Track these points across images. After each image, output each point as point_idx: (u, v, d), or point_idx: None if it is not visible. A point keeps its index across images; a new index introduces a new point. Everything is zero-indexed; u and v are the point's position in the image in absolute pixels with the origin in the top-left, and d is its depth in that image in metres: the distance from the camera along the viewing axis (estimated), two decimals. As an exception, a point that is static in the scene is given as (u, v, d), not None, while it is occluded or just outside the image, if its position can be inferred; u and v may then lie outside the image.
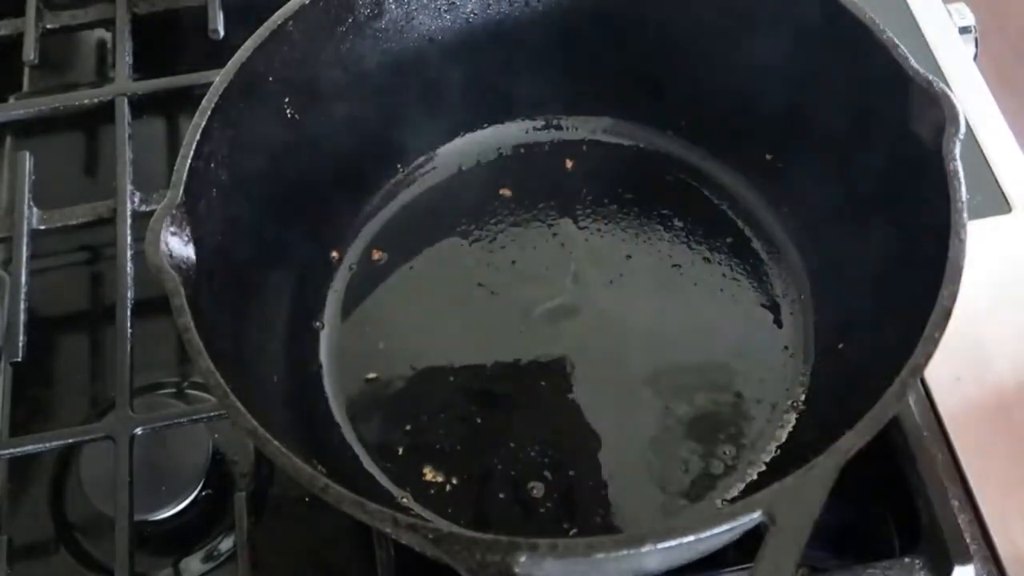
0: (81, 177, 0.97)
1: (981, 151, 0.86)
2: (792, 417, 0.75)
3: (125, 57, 0.94)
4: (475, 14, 0.82)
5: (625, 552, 0.51)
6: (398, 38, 0.80)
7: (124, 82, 0.93)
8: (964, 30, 0.94)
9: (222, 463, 0.77)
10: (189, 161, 0.66)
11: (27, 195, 0.86)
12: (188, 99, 0.82)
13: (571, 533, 0.71)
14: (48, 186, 0.89)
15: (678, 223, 0.84)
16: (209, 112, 0.68)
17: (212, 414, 0.75)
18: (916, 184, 0.65)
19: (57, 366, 0.85)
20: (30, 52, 0.96)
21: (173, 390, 0.81)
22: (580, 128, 0.88)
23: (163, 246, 0.61)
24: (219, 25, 0.95)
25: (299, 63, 0.75)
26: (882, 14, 0.69)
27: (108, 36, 1.04)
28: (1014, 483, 0.71)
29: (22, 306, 0.81)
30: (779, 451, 0.74)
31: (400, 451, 0.75)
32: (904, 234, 0.68)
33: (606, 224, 0.85)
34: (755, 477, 0.72)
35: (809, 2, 0.72)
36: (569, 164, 0.88)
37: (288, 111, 0.76)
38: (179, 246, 0.63)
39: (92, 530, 0.75)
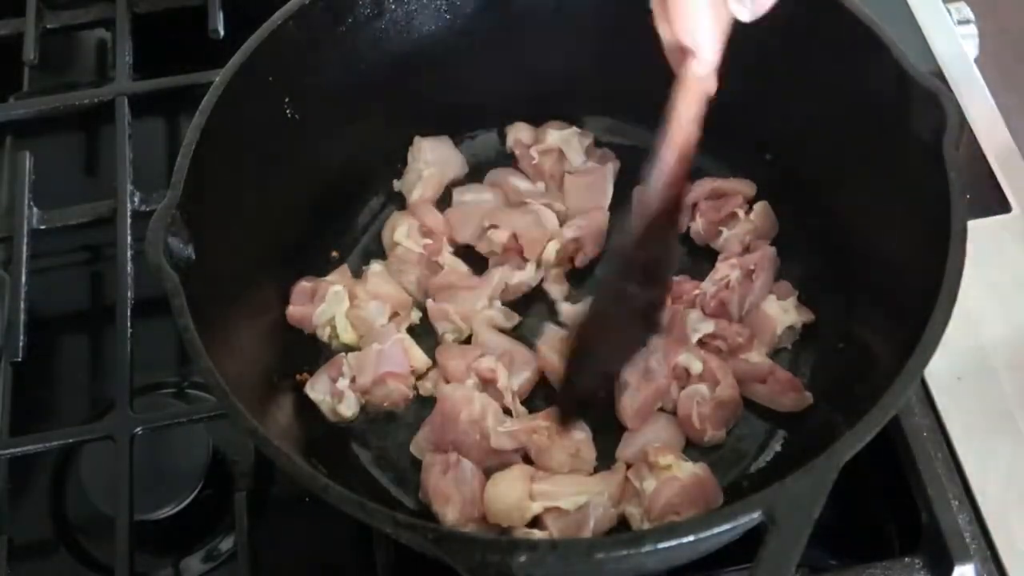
0: (81, 177, 0.97)
1: (981, 151, 0.86)
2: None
3: (125, 57, 0.95)
4: (475, 15, 0.82)
5: (625, 552, 0.52)
6: (399, 38, 0.80)
7: (124, 82, 0.93)
8: (964, 30, 0.94)
9: (222, 463, 0.77)
10: (189, 161, 0.66)
11: (27, 195, 0.86)
12: (188, 99, 0.82)
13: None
14: (48, 186, 0.89)
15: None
16: (209, 112, 0.68)
17: (212, 414, 0.75)
18: (916, 184, 0.65)
19: (57, 366, 0.85)
20: (30, 52, 0.96)
21: (173, 390, 0.81)
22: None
23: (163, 246, 0.61)
24: (219, 25, 0.95)
25: (299, 63, 0.75)
26: (882, 14, 0.69)
27: (108, 36, 1.04)
28: (1014, 483, 0.71)
29: (22, 306, 0.81)
30: (780, 451, 0.74)
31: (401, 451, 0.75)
32: (904, 234, 0.68)
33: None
34: (756, 475, 0.73)
35: (809, 2, 0.72)
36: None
37: (288, 111, 0.76)
38: (179, 246, 0.63)
39: (92, 530, 0.75)
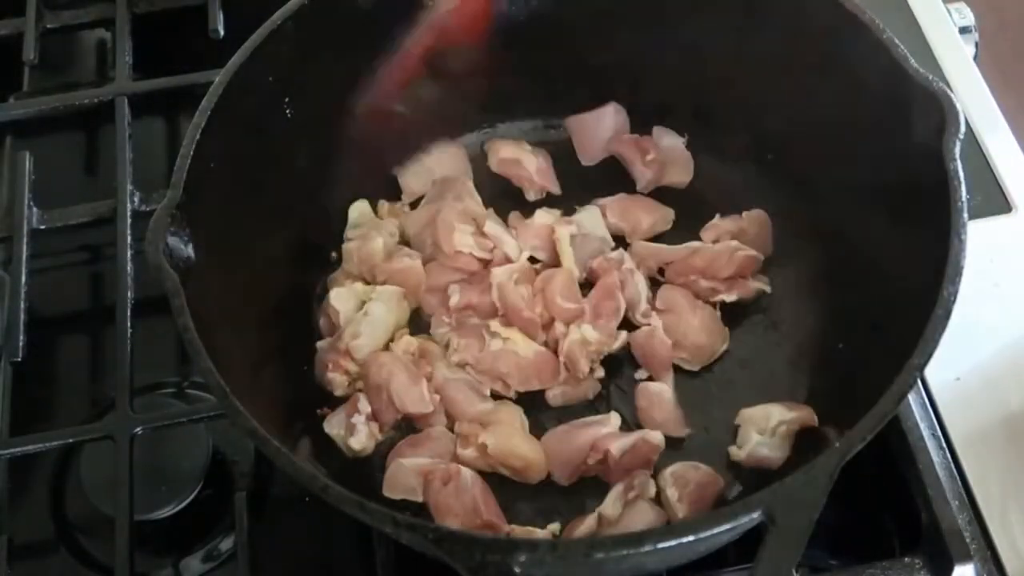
0: (81, 177, 0.97)
1: (981, 151, 0.86)
2: (792, 417, 0.75)
3: (125, 57, 0.95)
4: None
5: (625, 552, 0.52)
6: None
7: (124, 82, 0.93)
8: (964, 30, 0.94)
9: (222, 463, 0.77)
10: (189, 161, 0.66)
11: (27, 195, 0.86)
12: (188, 99, 0.83)
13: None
14: (48, 186, 0.89)
15: (680, 222, 0.85)
16: (209, 112, 0.68)
17: (212, 414, 0.75)
18: (916, 184, 0.65)
19: (57, 366, 0.85)
20: (30, 52, 0.96)
21: (173, 390, 0.81)
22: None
23: (163, 246, 0.61)
24: (219, 25, 0.95)
25: (299, 63, 0.75)
26: (882, 14, 0.69)
27: (108, 36, 1.04)
28: (1014, 483, 0.71)
29: (22, 306, 0.81)
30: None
31: (400, 451, 0.75)
32: (904, 234, 0.68)
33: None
34: (755, 475, 0.73)
35: (809, 2, 0.72)
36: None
37: (288, 111, 0.76)
38: (179, 246, 0.63)
39: (92, 530, 0.75)
